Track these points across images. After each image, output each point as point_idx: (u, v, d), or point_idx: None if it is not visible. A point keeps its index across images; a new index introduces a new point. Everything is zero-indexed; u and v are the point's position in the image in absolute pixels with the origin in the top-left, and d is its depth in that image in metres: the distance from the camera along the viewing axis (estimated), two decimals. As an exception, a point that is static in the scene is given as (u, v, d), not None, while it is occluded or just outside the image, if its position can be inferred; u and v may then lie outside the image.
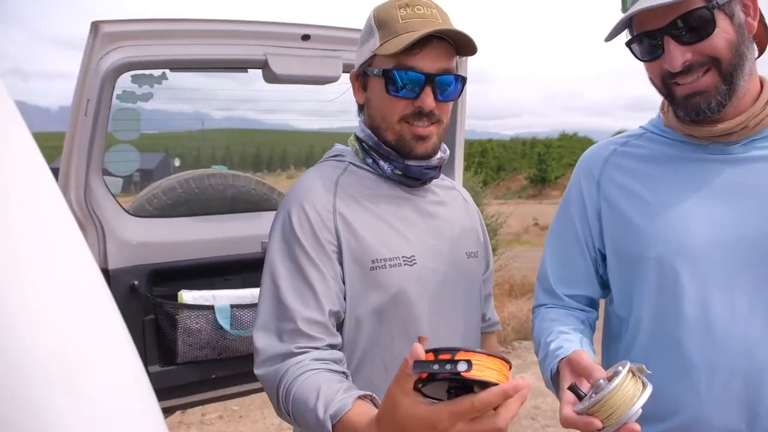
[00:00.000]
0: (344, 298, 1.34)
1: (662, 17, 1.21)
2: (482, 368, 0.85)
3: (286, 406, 1.19)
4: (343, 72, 2.36)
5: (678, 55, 1.21)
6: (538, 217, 24.14)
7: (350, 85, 1.49)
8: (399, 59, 1.31)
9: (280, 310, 1.29)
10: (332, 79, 2.37)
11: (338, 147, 1.54)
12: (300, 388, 1.16)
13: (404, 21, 1.31)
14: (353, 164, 1.47)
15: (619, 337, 1.43)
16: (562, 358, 1.24)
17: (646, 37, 1.26)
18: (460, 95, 1.41)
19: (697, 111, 1.25)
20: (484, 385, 0.87)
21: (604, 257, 1.46)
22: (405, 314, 1.36)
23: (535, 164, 54.89)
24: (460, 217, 1.55)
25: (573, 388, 1.10)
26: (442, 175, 1.58)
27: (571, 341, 1.31)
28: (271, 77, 2.27)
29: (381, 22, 1.36)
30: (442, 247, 1.45)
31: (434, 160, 1.44)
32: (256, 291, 2.26)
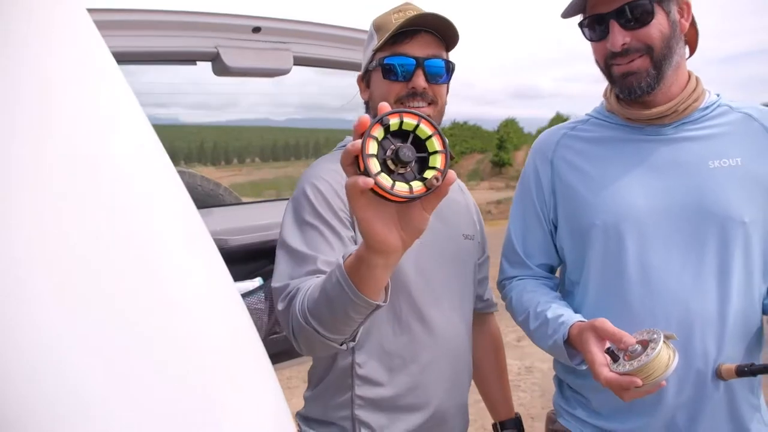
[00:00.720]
0: None
1: (611, 3, 1.42)
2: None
3: (303, 308, 1.18)
4: (294, 65, 2.34)
5: (619, 37, 1.42)
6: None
7: (356, 86, 1.65)
8: (393, 49, 1.49)
9: (297, 260, 1.35)
10: (283, 72, 2.35)
11: (348, 138, 1.63)
12: (316, 283, 1.20)
13: (397, 21, 1.47)
14: None
15: (572, 297, 1.63)
16: (573, 325, 1.42)
17: (595, 20, 1.46)
18: (449, 79, 1.54)
19: (629, 89, 1.46)
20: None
21: (557, 228, 1.66)
22: (400, 286, 1.45)
23: (429, 152, 55.76)
24: (457, 201, 1.66)
25: (611, 352, 1.27)
26: None
27: (565, 310, 1.51)
28: (221, 70, 2.22)
29: (378, 26, 1.53)
30: (441, 227, 1.54)
31: None
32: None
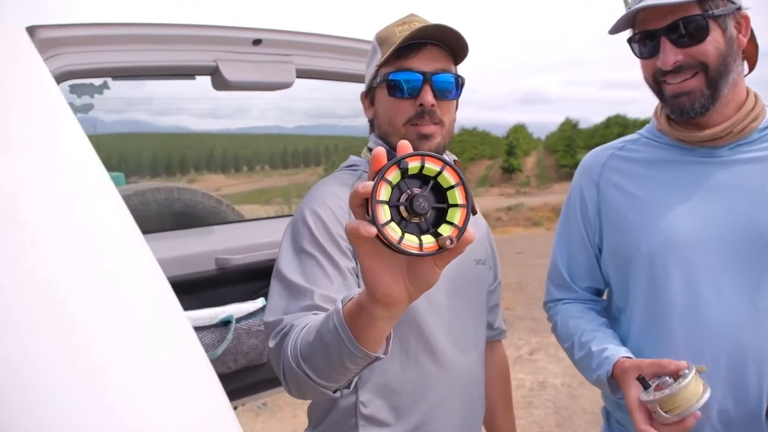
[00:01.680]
0: None
1: (663, 18, 1.32)
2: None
3: (296, 350, 1.09)
4: (297, 77, 2.27)
5: (671, 55, 1.33)
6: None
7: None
8: (398, 64, 1.39)
9: (293, 293, 1.26)
10: (285, 85, 2.27)
11: (353, 158, 1.55)
12: (311, 324, 1.10)
13: (401, 34, 1.38)
14: (367, 173, 1.47)
15: (618, 324, 1.55)
16: (617, 362, 1.36)
17: (646, 35, 1.37)
18: (459, 95, 1.45)
19: (681, 110, 1.36)
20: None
21: (601, 252, 1.58)
22: (408, 317, 1.35)
23: (438, 159, 55.60)
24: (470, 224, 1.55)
25: (641, 379, 1.25)
26: None
27: (610, 342, 1.44)
28: (221, 84, 2.15)
29: (382, 40, 1.44)
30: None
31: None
32: (214, 311, 2.14)
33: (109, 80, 2.07)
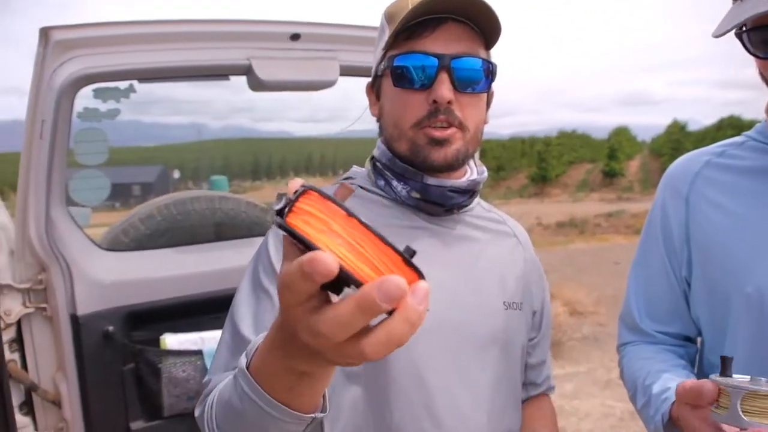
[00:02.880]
0: None
1: None
2: (305, 220, 0.50)
3: (213, 422, 0.83)
4: (341, 75, 2.06)
5: None
6: (540, 217, 23.86)
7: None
8: (408, 46, 1.05)
9: (239, 345, 1.01)
10: (328, 84, 2.06)
11: (353, 169, 1.25)
12: (223, 385, 0.85)
13: (414, 5, 1.03)
14: (363, 188, 1.17)
15: None
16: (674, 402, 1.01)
17: (762, 30, 1.05)
18: (488, 87, 1.11)
19: None
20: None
21: (690, 288, 1.21)
22: (406, 376, 1.04)
23: (536, 163, 54.53)
24: (502, 258, 1.20)
25: (724, 359, 0.91)
26: (487, 206, 1.28)
27: (680, 379, 1.03)
28: (256, 84, 1.97)
29: (391, 15, 1.11)
30: (469, 293, 1.12)
31: (463, 182, 1.12)
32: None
33: (135, 83, 1.93)
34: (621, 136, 59.97)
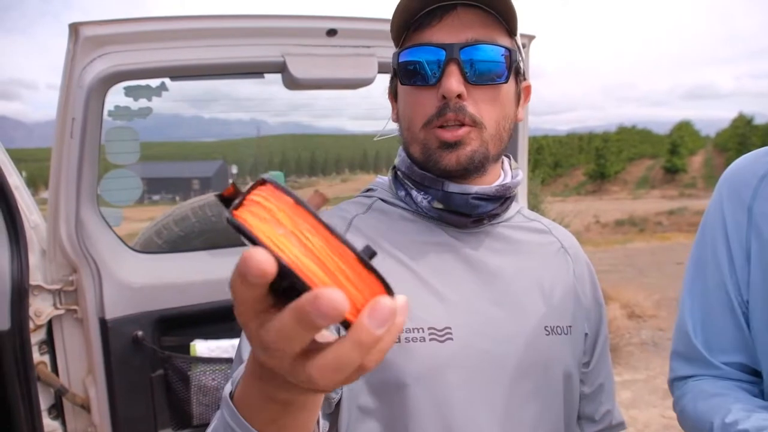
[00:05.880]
0: None
1: None
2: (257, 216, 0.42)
3: None
4: (379, 72, 1.95)
5: None
6: (598, 215, 23.25)
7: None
8: (414, 39, 0.96)
9: (238, 359, 0.95)
10: (366, 82, 1.96)
11: (377, 180, 1.15)
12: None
13: None
14: (383, 200, 1.07)
15: None
16: None
17: None
18: (509, 76, 0.97)
19: None
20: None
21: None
22: (427, 412, 0.92)
23: (594, 159, 53.20)
24: (546, 275, 1.07)
25: None
26: (531, 214, 1.15)
27: None
28: (291, 82, 1.87)
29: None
30: (503, 318, 0.99)
31: (491, 187, 1.00)
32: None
33: (167, 81, 1.87)
34: (683, 130, 57.99)
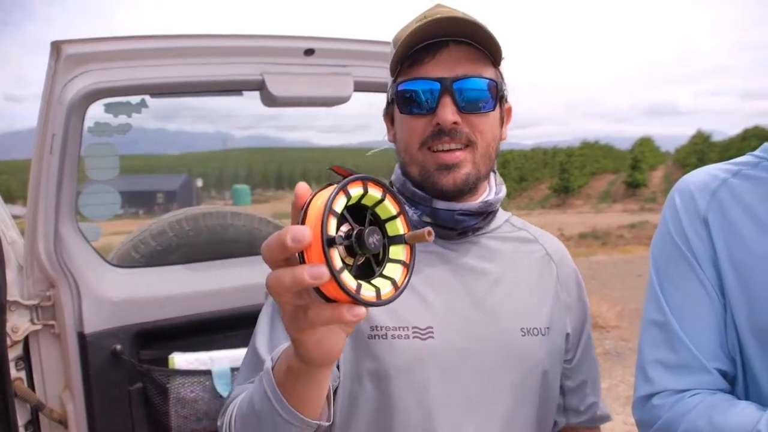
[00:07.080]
0: (337, 367, 1.08)
1: None
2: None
3: (230, 427, 0.92)
4: (355, 90, 2.02)
5: None
6: (562, 228, 23.61)
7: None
8: (411, 73, 1.09)
9: (256, 363, 1.07)
10: (342, 100, 2.02)
11: None
12: (245, 393, 0.93)
13: (415, 31, 1.06)
14: None
15: None
16: None
17: None
18: (495, 105, 1.11)
19: None
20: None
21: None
22: (411, 401, 1.05)
23: (558, 174, 54.11)
24: (526, 281, 1.17)
25: None
26: (520, 223, 1.27)
27: None
28: (269, 100, 1.93)
29: (397, 40, 1.14)
30: (480, 320, 1.10)
31: (474, 204, 1.12)
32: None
33: (147, 98, 1.90)
34: (644, 146, 59.32)
